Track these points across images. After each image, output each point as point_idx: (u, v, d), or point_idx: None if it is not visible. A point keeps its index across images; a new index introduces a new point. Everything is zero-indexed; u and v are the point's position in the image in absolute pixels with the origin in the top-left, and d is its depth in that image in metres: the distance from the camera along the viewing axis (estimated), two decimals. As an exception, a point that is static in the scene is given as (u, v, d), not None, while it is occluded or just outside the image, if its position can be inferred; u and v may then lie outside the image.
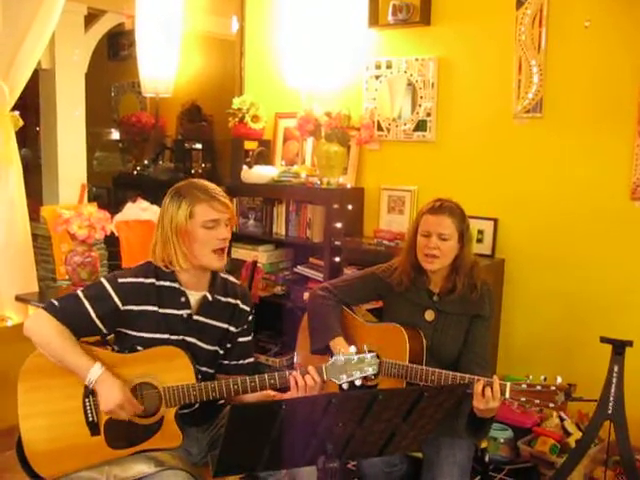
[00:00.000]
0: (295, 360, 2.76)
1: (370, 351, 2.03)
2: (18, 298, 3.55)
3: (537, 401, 2.04)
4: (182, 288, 2.15)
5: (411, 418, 1.75)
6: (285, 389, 2.08)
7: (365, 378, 2.03)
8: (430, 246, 2.39)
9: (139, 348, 2.10)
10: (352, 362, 2.00)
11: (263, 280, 4.08)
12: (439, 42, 3.62)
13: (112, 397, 1.96)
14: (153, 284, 2.12)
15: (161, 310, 2.12)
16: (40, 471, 2.00)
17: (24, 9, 3.40)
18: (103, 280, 2.12)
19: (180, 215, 2.07)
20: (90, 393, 2.02)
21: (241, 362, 2.28)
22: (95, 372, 1.98)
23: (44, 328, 2.02)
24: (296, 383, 2.03)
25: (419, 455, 2.39)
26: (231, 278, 2.30)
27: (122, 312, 2.09)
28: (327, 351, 2.46)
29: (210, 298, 2.18)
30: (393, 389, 2.22)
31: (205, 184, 2.15)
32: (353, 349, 2.03)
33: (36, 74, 3.98)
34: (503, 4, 3.37)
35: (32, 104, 4.46)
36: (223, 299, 2.22)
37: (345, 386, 2.01)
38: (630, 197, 3.13)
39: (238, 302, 2.25)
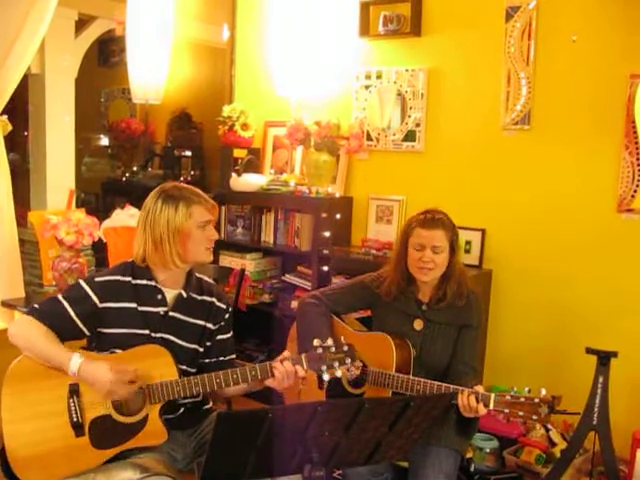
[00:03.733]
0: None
1: (348, 345, 2.03)
2: (4, 303, 3.52)
3: (521, 413, 2.04)
4: (159, 286, 2.18)
5: (397, 427, 1.75)
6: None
7: (348, 370, 2.02)
8: (424, 260, 2.38)
9: (117, 351, 2.11)
10: (330, 351, 2.00)
11: (251, 288, 4.08)
12: (429, 53, 3.64)
13: (102, 378, 1.98)
14: (129, 282, 2.16)
15: (140, 308, 2.14)
16: (23, 478, 1.98)
17: (14, 14, 3.39)
18: (81, 281, 2.17)
19: (180, 216, 2.12)
20: (74, 394, 2.03)
21: (221, 359, 2.29)
22: (76, 361, 2.00)
23: (27, 331, 2.06)
24: (273, 376, 2.04)
25: (404, 464, 2.39)
26: (205, 278, 2.34)
27: (100, 310, 2.11)
28: None
29: (185, 295, 2.21)
30: (379, 398, 2.23)
31: (191, 187, 2.21)
32: (330, 341, 2.03)
33: (25, 79, 3.96)
34: (493, 17, 3.40)
35: (21, 109, 4.43)
36: (198, 297, 2.25)
37: (326, 377, 2.00)
38: (616, 209, 3.15)
39: (214, 300, 2.28)
